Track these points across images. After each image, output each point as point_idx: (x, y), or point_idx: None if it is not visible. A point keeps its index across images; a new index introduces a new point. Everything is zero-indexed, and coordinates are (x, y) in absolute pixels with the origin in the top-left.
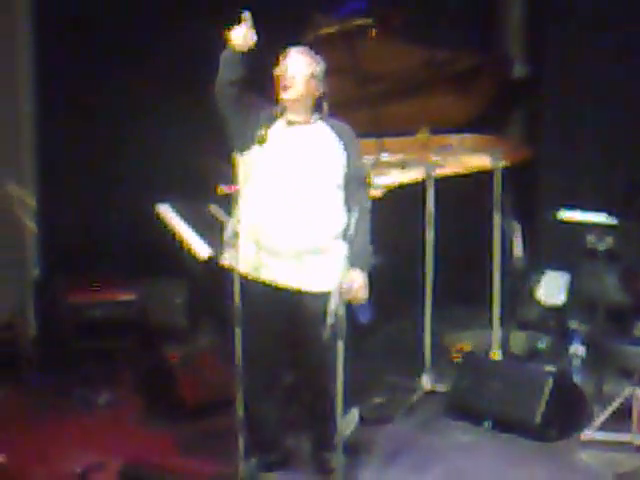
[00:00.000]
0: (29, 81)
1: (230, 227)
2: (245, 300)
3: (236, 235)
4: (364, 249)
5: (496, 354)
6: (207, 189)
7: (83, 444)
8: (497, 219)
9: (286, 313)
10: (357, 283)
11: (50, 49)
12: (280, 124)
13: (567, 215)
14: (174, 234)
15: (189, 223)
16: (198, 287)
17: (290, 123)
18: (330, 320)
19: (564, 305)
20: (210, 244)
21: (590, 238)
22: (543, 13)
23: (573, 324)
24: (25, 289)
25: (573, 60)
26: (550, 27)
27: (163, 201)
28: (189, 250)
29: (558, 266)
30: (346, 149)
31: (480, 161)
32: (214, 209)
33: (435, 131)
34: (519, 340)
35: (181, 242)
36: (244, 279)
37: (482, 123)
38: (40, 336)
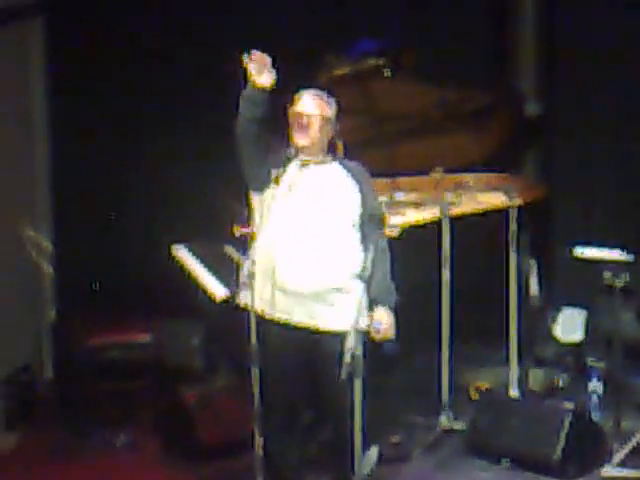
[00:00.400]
0: (44, 124)
1: (246, 267)
2: (262, 340)
3: (252, 275)
4: (387, 287)
5: (514, 391)
6: (223, 230)
7: None
8: (513, 257)
9: (303, 352)
10: (385, 321)
11: (65, 90)
12: (294, 165)
13: (583, 252)
14: (190, 275)
15: (205, 264)
16: (214, 328)
17: (304, 164)
18: (347, 359)
19: (581, 342)
20: (226, 285)
21: (606, 275)
22: (555, 50)
23: (591, 361)
24: (42, 331)
25: (586, 96)
26: (562, 64)
27: (179, 242)
28: (205, 291)
29: (575, 303)
30: (361, 189)
31: (495, 199)
32: (230, 250)
33: (449, 170)
34: (537, 377)
35: (197, 283)
36: (260, 319)
37: (496, 161)
38: (57, 378)
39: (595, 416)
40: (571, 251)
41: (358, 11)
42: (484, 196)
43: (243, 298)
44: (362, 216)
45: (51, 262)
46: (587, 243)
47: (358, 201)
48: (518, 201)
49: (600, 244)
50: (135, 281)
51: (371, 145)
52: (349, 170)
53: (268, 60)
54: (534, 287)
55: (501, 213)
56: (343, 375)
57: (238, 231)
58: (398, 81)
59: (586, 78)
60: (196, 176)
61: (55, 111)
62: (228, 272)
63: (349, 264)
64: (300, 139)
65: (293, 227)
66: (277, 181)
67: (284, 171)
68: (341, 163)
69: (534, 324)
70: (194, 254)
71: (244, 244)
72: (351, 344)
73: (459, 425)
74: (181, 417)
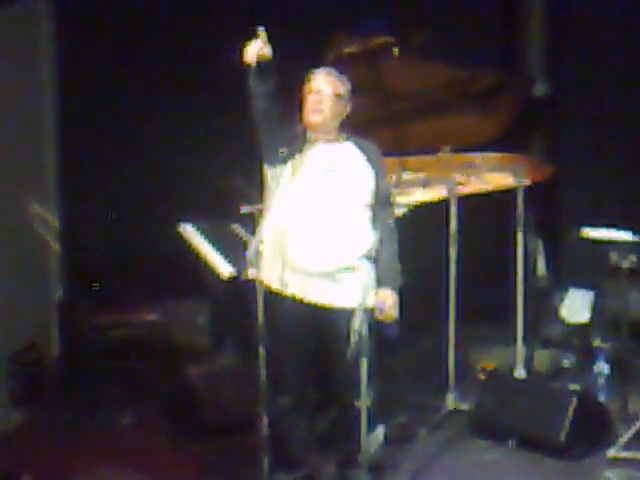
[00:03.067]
0: (52, 100)
1: (253, 246)
2: (270, 315)
3: (259, 253)
4: (393, 268)
5: (521, 372)
6: (230, 208)
7: (107, 464)
8: (520, 237)
9: (311, 328)
10: (388, 302)
11: (72, 72)
12: (307, 143)
13: (590, 233)
14: (197, 253)
15: (212, 242)
16: (221, 306)
17: (317, 142)
18: (354, 338)
19: (588, 323)
20: (232, 263)
21: (613, 256)
22: (563, 31)
23: (597, 342)
24: (48, 310)
25: (594, 77)
26: (570, 45)
27: (186, 221)
28: (212, 269)
29: (582, 284)
30: (374, 168)
31: (502, 179)
32: (237, 228)
33: (457, 150)
34: (543, 358)
35: (204, 261)
36: (269, 294)
37: (504, 141)
38: (63, 357)
39: (601, 397)
40: (578, 232)
41: None
42: (492, 176)
43: (253, 274)
44: (374, 196)
45: (58, 239)
46: (594, 224)
47: (371, 180)
48: (526, 181)
49: (607, 225)
50: (142, 259)
51: (379, 124)
52: (362, 149)
53: (262, 35)
54: (541, 268)
55: (509, 193)
56: (350, 354)
57: (244, 209)
58: (406, 60)
59: (596, 58)
60: (204, 155)
61: (64, 85)
62: (235, 251)
63: (359, 243)
64: (313, 117)
65: (304, 205)
66: (289, 159)
67: (296, 149)
68: (354, 142)
69: (541, 305)
70: (201, 232)
71: (251, 222)
72: (358, 323)
73: (465, 406)
74: (187, 396)
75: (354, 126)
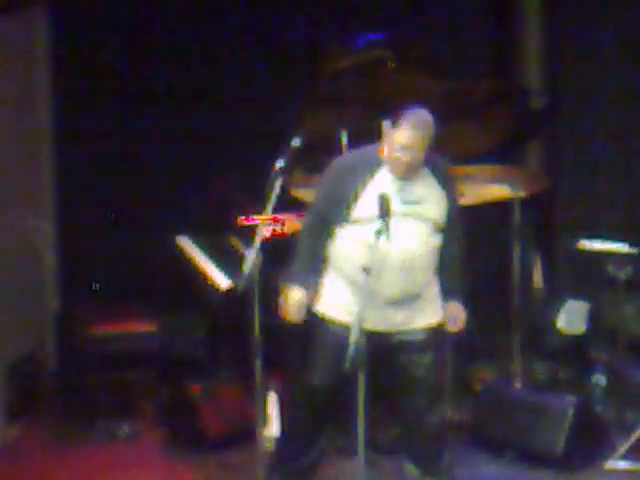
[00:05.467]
0: (49, 110)
1: (250, 259)
2: (321, 341)
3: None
4: (460, 281)
5: (518, 384)
6: (227, 221)
7: (103, 476)
8: (516, 249)
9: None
10: (461, 316)
11: (70, 80)
12: (384, 173)
13: (587, 244)
14: (194, 266)
15: (209, 255)
16: (218, 319)
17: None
18: (351, 352)
19: (585, 334)
20: (230, 276)
21: (610, 267)
22: (561, 44)
23: (594, 353)
24: (45, 322)
25: (591, 89)
26: (568, 58)
27: (183, 233)
28: (209, 282)
29: (578, 295)
30: (445, 190)
31: (499, 191)
32: (234, 241)
33: (453, 161)
34: (540, 369)
35: (201, 274)
36: (320, 320)
37: (501, 153)
38: (60, 369)
39: (598, 409)
40: (575, 243)
41: (363, 2)
42: (488, 188)
43: (323, 308)
44: (447, 219)
45: (55, 252)
46: (591, 235)
47: (446, 208)
48: (522, 193)
49: (604, 236)
50: (140, 272)
51: (375, 137)
52: (435, 174)
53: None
54: (538, 279)
55: (505, 205)
56: (346, 367)
57: (242, 222)
58: (403, 72)
59: (593, 70)
60: (201, 167)
61: (60, 102)
62: (233, 263)
63: (433, 268)
64: (407, 173)
65: (395, 242)
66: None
67: (371, 178)
68: (428, 165)
69: (538, 316)
70: (198, 245)
71: (249, 235)
72: (354, 337)
73: (462, 417)
74: (184, 409)
75: (350, 138)
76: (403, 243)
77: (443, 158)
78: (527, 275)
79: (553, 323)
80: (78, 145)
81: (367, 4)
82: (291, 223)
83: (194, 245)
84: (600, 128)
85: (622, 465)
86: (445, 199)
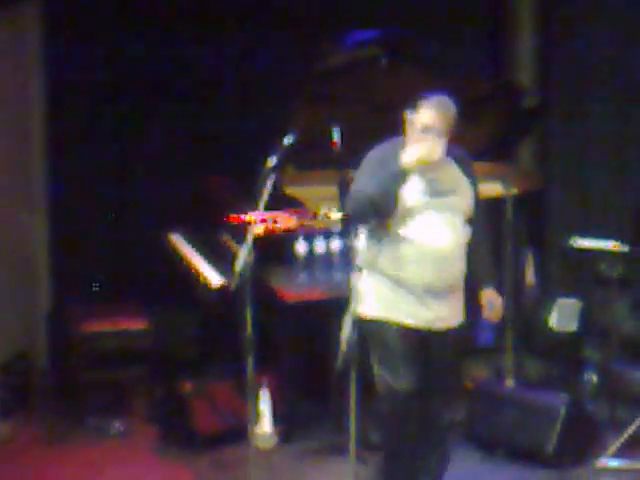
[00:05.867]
0: (41, 106)
1: (242, 256)
2: (392, 345)
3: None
4: (490, 268)
5: (510, 382)
6: (220, 218)
7: (95, 474)
8: (509, 246)
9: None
10: (497, 301)
11: (63, 76)
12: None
13: (579, 243)
14: (186, 263)
15: (201, 252)
16: (210, 316)
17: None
18: (344, 348)
19: (577, 332)
20: (222, 273)
21: (602, 265)
22: (553, 42)
23: (586, 351)
24: (37, 319)
25: (583, 88)
26: (561, 57)
27: (176, 230)
28: (201, 279)
29: (570, 293)
30: (471, 181)
31: (492, 189)
32: (226, 238)
33: None
34: (532, 368)
35: (193, 271)
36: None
37: (493, 151)
38: (52, 366)
39: (590, 407)
40: (567, 241)
41: (356, 1)
42: (481, 185)
43: (376, 312)
44: (475, 209)
45: (47, 250)
46: (583, 233)
47: (472, 196)
48: (515, 190)
49: (596, 235)
50: (132, 269)
51: (367, 134)
52: (460, 165)
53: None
54: (530, 277)
55: (498, 202)
56: (338, 364)
57: (235, 220)
58: (394, 70)
59: (586, 70)
60: (194, 165)
61: (53, 95)
62: (224, 260)
63: (464, 261)
64: (430, 157)
65: (433, 235)
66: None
67: (400, 176)
68: (452, 156)
69: (530, 314)
70: (190, 242)
71: (240, 232)
72: (347, 333)
73: (454, 415)
74: (176, 406)
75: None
76: (439, 235)
77: (462, 149)
78: (519, 273)
79: (545, 321)
80: (71, 143)
81: (360, 2)
82: (284, 220)
83: (186, 242)
84: (592, 126)
85: (613, 463)
86: (471, 190)
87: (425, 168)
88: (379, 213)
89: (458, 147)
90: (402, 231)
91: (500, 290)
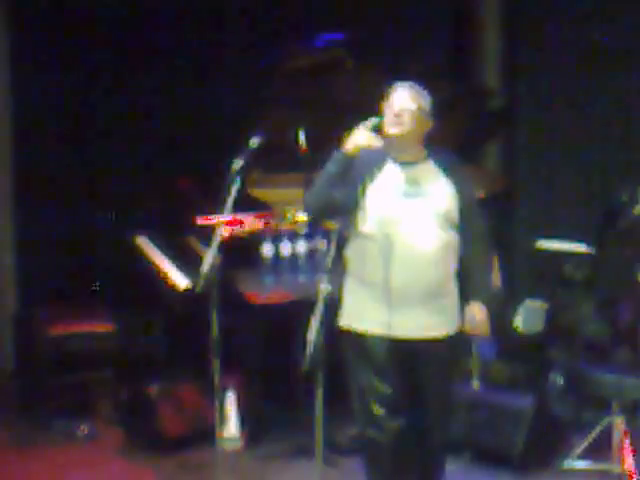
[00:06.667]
0: (6, 108)
1: (209, 259)
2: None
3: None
4: (482, 281)
5: (476, 384)
6: (186, 221)
7: (61, 477)
8: None
9: (407, 363)
10: (478, 317)
11: (28, 68)
12: (390, 164)
13: (545, 244)
14: (153, 265)
15: (167, 254)
16: (176, 319)
17: (399, 162)
18: (310, 350)
19: (542, 334)
20: (188, 276)
21: (567, 267)
22: (518, 45)
23: (551, 353)
24: (3, 322)
25: (549, 90)
26: (526, 59)
27: (142, 232)
28: (168, 281)
29: (536, 295)
30: (454, 183)
31: None
32: (192, 241)
33: None
34: (498, 369)
35: (160, 273)
36: (357, 338)
37: (458, 153)
38: (18, 369)
39: (556, 409)
40: (533, 243)
41: (321, 2)
42: None
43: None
44: (459, 211)
45: (12, 253)
46: (549, 235)
47: (453, 198)
48: (480, 193)
49: (562, 237)
50: (97, 271)
51: (333, 136)
52: (441, 164)
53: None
54: (496, 279)
55: None
56: (305, 367)
57: (201, 222)
58: (359, 72)
59: (551, 72)
60: (160, 166)
61: (19, 92)
62: (191, 263)
63: (449, 266)
64: (393, 129)
65: (390, 232)
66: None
67: (379, 170)
68: (434, 158)
69: (496, 316)
70: (156, 244)
71: (206, 234)
72: (314, 334)
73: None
74: (143, 408)
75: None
76: (410, 235)
77: (449, 152)
78: None
79: (511, 323)
80: (36, 144)
81: (326, 4)
82: (250, 223)
83: (153, 245)
84: (558, 129)
85: (579, 465)
86: (454, 193)
87: (399, 167)
88: (335, 205)
89: (444, 150)
90: (367, 231)
91: (492, 305)
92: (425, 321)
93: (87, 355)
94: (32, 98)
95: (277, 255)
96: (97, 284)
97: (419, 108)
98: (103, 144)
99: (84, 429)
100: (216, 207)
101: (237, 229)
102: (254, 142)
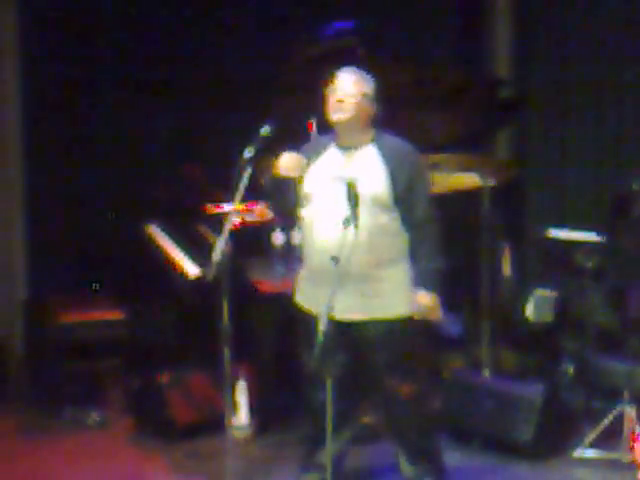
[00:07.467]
0: (16, 99)
1: (219, 246)
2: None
3: (224, 255)
4: (427, 268)
5: (486, 372)
6: (197, 209)
7: (72, 464)
8: (485, 237)
9: (351, 346)
10: (423, 303)
11: (39, 69)
12: (333, 149)
13: (555, 233)
14: (163, 254)
15: (178, 242)
16: (187, 307)
17: (340, 147)
18: (320, 340)
19: (553, 323)
20: (199, 264)
21: (578, 256)
22: (530, 33)
23: (562, 342)
24: (14, 310)
25: (559, 79)
26: (538, 46)
27: (152, 221)
28: (178, 269)
29: (546, 284)
30: (391, 170)
31: (468, 180)
32: (203, 228)
33: (422, 150)
34: (509, 358)
35: (170, 261)
36: (306, 316)
37: (470, 142)
38: (29, 356)
39: (566, 397)
40: (544, 232)
41: None
42: (457, 177)
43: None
44: (395, 197)
45: (23, 240)
46: (559, 224)
47: (387, 183)
48: (491, 182)
49: (572, 226)
50: (108, 259)
51: None
52: (383, 150)
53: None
54: (507, 268)
55: (474, 194)
56: (316, 355)
57: (212, 210)
58: (371, 60)
59: (563, 59)
60: (170, 156)
61: (28, 82)
62: (201, 251)
63: (385, 249)
64: (336, 115)
65: (328, 215)
66: (310, 165)
67: (319, 155)
68: (378, 143)
69: (506, 305)
70: (167, 232)
71: (217, 222)
72: (323, 325)
73: (431, 405)
74: (153, 396)
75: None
76: (335, 216)
77: (398, 138)
78: (496, 264)
79: (521, 312)
80: (47, 132)
81: None
82: (260, 211)
83: (163, 233)
84: (569, 117)
85: (590, 453)
86: (389, 177)
87: (339, 152)
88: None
89: (397, 138)
90: (305, 215)
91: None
92: (350, 304)
93: (98, 343)
94: (43, 93)
95: (288, 243)
96: (97, 284)
97: (362, 94)
98: (114, 134)
99: (94, 417)
100: (227, 195)
101: (248, 217)
102: (265, 130)
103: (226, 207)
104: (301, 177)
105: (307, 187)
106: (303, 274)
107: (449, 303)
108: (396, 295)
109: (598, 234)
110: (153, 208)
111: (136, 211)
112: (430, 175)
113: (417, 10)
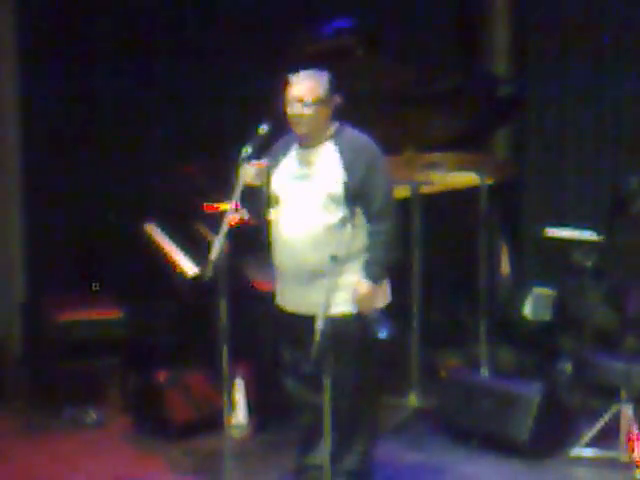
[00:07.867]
0: (15, 100)
1: (217, 245)
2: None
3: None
4: (374, 260)
5: (484, 371)
6: (195, 208)
7: (71, 463)
8: (483, 236)
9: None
10: (359, 290)
11: (37, 68)
12: (296, 148)
13: (553, 232)
14: (161, 252)
15: (176, 241)
16: (185, 306)
17: (302, 146)
18: (318, 338)
19: (551, 322)
20: (197, 263)
21: (576, 255)
22: (528, 32)
23: (560, 341)
24: (12, 309)
25: (557, 78)
26: (536, 46)
27: (151, 220)
28: (176, 268)
29: (544, 283)
30: (349, 164)
31: (466, 178)
32: (201, 227)
33: (420, 149)
34: (506, 357)
35: (169, 261)
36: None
37: (468, 141)
38: (27, 356)
39: (564, 396)
40: (542, 231)
41: None
42: (455, 175)
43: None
44: (352, 193)
45: (21, 240)
46: (558, 223)
47: (342, 179)
48: (489, 180)
49: (570, 224)
50: (107, 258)
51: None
52: (341, 146)
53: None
54: (505, 266)
55: (472, 192)
56: (313, 354)
57: (210, 209)
58: (370, 60)
59: (560, 59)
60: (168, 154)
61: (27, 88)
62: (200, 250)
63: (340, 245)
64: (297, 129)
65: (288, 212)
66: (276, 166)
67: (284, 156)
68: (337, 139)
69: (504, 303)
70: (165, 231)
71: (215, 221)
72: (321, 324)
73: (428, 404)
74: (151, 395)
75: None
76: (294, 215)
77: (361, 134)
78: (494, 262)
79: (519, 311)
80: (45, 131)
81: None
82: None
83: (161, 232)
84: (567, 116)
85: (587, 452)
86: (345, 171)
87: (300, 151)
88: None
89: (360, 137)
90: (273, 216)
91: (375, 281)
92: (307, 299)
93: (96, 342)
94: (40, 89)
95: None
96: (96, 284)
97: (318, 99)
98: (112, 132)
99: (92, 415)
100: (225, 194)
101: (245, 216)
102: (263, 129)
103: (224, 205)
104: (267, 181)
105: (273, 188)
106: (275, 274)
107: (446, 301)
108: (347, 291)
109: (596, 233)
110: (152, 207)
111: (135, 211)
112: (389, 169)
113: (416, 9)
